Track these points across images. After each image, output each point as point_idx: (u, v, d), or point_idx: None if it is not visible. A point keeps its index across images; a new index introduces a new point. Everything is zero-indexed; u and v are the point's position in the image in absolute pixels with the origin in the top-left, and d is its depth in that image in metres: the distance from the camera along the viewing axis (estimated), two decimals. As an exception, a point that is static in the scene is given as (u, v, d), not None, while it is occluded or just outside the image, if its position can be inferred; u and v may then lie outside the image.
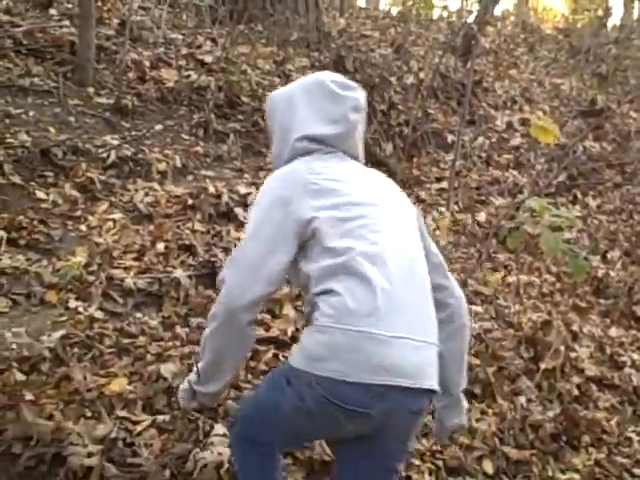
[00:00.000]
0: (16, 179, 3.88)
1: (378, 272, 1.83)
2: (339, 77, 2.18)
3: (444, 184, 5.82)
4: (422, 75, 7.04)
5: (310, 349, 1.82)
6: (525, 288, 4.58)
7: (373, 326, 1.76)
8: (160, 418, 2.69)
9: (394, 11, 11.24)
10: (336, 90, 2.12)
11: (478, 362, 3.55)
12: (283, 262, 1.92)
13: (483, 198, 5.91)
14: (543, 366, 3.69)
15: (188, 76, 5.58)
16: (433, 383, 1.86)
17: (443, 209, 5.21)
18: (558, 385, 3.66)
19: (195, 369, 2.10)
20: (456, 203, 5.56)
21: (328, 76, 2.17)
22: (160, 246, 3.73)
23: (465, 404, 2.29)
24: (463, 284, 4.31)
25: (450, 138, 6.55)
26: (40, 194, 3.90)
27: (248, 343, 2.05)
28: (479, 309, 4.13)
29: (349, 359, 1.75)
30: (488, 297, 4.33)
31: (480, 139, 6.76)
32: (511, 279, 4.60)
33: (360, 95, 2.17)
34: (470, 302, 4.16)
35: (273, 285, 1.94)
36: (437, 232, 4.50)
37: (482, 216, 5.49)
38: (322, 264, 1.86)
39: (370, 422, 1.81)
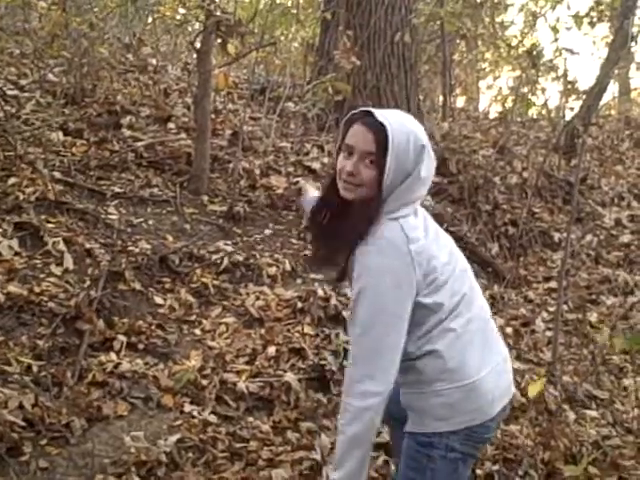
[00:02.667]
0: (136, 285, 4.08)
1: (471, 334, 2.14)
2: None
3: (552, 284, 5.74)
4: (526, 174, 7.04)
5: (435, 413, 2.12)
6: (643, 392, 4.40)
7: (471, 376, 2.10)
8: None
9: (492, 110, 11.30)
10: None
11: (597, 472, 3.41)
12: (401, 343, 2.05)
13: (594, 297, 5.77)
14: (668, 477, 3.51)
15: (296, 182, 5.76)
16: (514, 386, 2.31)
17: (552, 309, 5.12)
18: (685, 498, 3.46)
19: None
20: (566, 303, 5.45)
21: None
22: (271, 350, 3.82)
23: None
24: (577, 387, 4.20)
25: (557, 237, 6.48)
26: (158, 299, 4.10)
27: None
28: (594, 414, 3.98)
29: (469, 409, 2.11)
30: (604, 401, 4.18)
31: (588, 237, 6.65)
32: (627, 382, 4.43)
33: None
34: (585, 407, 4.06)
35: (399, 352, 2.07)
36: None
37: (594, 316, 5.36)
38: (424, 330, 2.09)
39: None
